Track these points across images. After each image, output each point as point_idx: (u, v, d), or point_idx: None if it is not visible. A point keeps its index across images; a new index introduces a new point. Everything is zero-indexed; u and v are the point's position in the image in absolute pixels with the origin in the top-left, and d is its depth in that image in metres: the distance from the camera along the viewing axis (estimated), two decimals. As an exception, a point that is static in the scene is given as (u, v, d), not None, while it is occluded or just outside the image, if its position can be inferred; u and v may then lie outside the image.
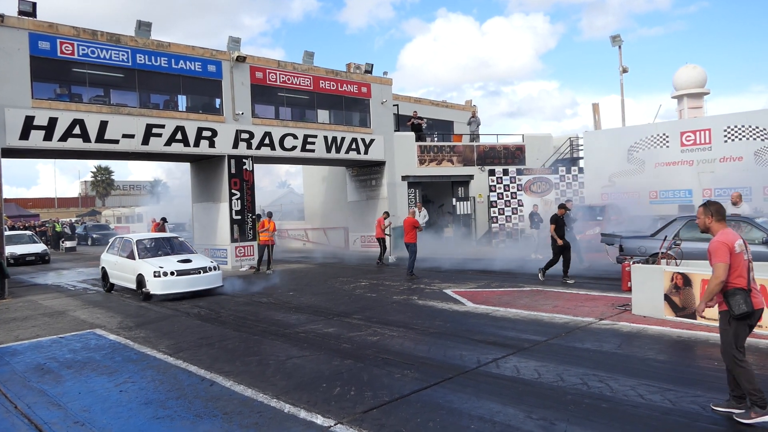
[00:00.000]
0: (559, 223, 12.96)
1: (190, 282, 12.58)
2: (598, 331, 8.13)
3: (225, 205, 18.91)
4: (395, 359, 7.00)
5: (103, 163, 67.22)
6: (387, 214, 19.34)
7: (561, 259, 13.01)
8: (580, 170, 24.02)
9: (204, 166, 19.93)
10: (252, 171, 19.35)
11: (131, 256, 13.24)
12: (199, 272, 12.79)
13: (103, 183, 71.60)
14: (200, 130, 18.02)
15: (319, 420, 5.13)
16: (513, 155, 25.72)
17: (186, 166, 22.40)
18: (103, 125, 16.21)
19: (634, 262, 9.92)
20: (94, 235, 37.70)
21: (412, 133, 24.17)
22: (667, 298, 8.58)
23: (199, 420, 5.29)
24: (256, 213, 19.44)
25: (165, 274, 12.31)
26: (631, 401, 5.28)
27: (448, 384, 6.01)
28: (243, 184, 19.07)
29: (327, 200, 27.89)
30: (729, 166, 19.70)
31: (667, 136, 21.45)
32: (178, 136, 17.56)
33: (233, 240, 18.65)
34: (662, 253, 10.06)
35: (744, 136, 19.54)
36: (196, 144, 17.98)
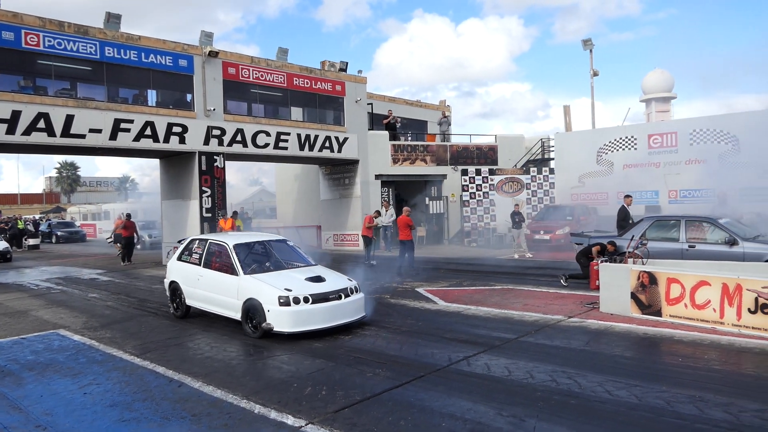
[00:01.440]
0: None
1: (330, 313, 8.20)
2: (567, 328, 8.24)
3: (195, 202, 18.63)
4: (367, 358, 6.99)
5: (69, 158, 65.58)
6: (378, 213, 19.35)
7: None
8: (551, 171, 24.35)
9: (174, 163, 19.60)
10: (223, 168, 19.11)
11: (229, 270, 8.90)
12: (340, 297, 8.38)
13: (68, 179, 69.83)
14: (170, 125, 17.71)
15: (290, 420, 5.08)
16: (486, 155, 25.94)
17: (155, 163, 22.01)
18: (69, 119, 15.81)
19: (602, 261, 10.09)
20: (59, 233, 36.75)
21: (386, 132, 24.18)
22: (633, 296, 8.75)
23: (167, 422, 5.19)
24: (220, 211, 19.01)
25: (297, 301, 7.94)
26: (599, 397, 5.37)
27: (419, 382, 6.02)
28: (214, 181, 18.82)
29: (300, 198, 27.73)
30: (694, 168, 20.21)
31: (635, 139, 21.91)
32: (148, 131, 17.23)
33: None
34: (629, 252, 10.25)
35: (709, 140, 20.06)
36: (166, 140, 17.67)
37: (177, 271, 10.07)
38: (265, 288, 8.18)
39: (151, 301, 12.18)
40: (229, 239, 9.43)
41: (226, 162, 19.51)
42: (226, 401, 5.65)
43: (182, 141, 18.04)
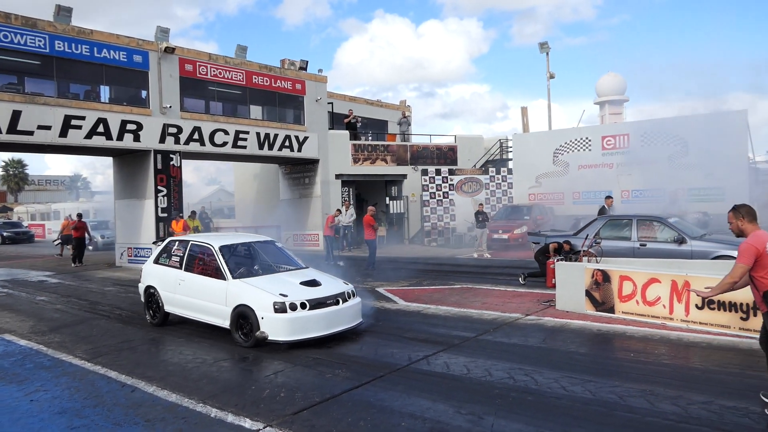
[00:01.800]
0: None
1: (328, 319, 7.64)
2: (525, 326, 8.38)
3: (150, 202, 18.16)
4: (326, 359, 6.94)
5: (16, 155, 62.98)
6: (339, 212, 19.24)
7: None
8: (509, 171, 24.77)
9: (128, 161, 19.05)
10: (180, 167, 18.69)
11: (215, 273, 8.25)
12: (338, 302, 7.83)
13: (15, 177, 66.97)
14: (124, 123, 17.21)
15: (248, 424, 5.00)
16: (445, 156, 26.17)
17: (108, 161, 21.35)
18: (16, 115, 15.17)
19: (558, 260, 10.31)
20: (5, 233, 35.28)
21: (347, 132, 24.12)
22: (588, 293, 8.97)
23: (119, 428, 5.04)
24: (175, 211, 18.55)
25: (293, 307, 7.38)
26: (555, 393, 5.47)
27: (379, 382, 6.02)
28: (170, 180, 18.38)
29: (259, 198, 27.38)
30: (645, 169, 20.87)
31: (590, 140, 22.49)
32: (100, 128, 16.70)
33: (159, 239, 17.91)
34: (584, 250, 10.50)
35: (658, 142, 20.75)
36: (120, 137, 17.16)
37: (154, 275, 9.35)
38: (258, 293, 7.59)
39: (103, 303, 11.81)
40: (214, 240, 8.80)
41: (183, 161, 19.08)
42: (182, 406, 5.52)
43: (137, 139, 17.55)
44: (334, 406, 5.37)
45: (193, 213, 20.21)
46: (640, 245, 11.45)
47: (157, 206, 18.05)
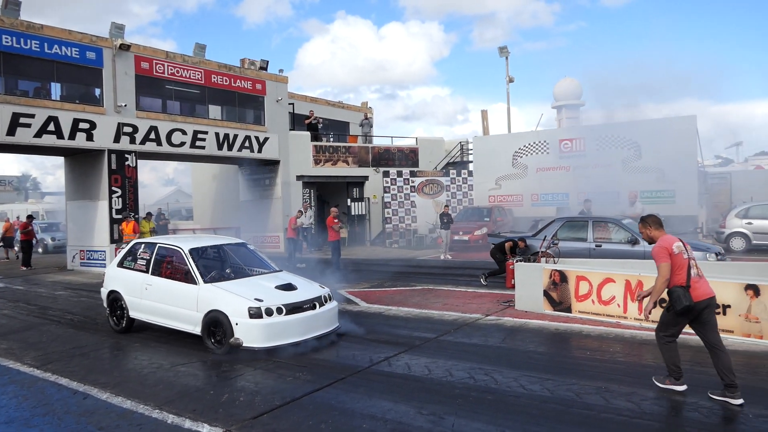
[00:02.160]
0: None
1: (305, 325, 7.43)
2: (485, 326, 8.48)
3: (104, 203, 17.62)
4: (286, 362, 6.86)
5: (-39, 155, 60.28)
6: (300, 213, 19.07)
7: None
8: (470, 173, 25.06)
9: (81, 161, 18.44)
10: (135, 167, 18.20)
11: (185, 278, 7.93)
12: (314, 306, 7.66)
13: (-41, 177, 64.12)
14: (77, 121, 16.65)
15: (206, 429, 4.90)
16: (407, 157, 26.29)
17: (60, 161, 20.62)
18: (-40, 113, 14.50)
19: (517, 261, 10.47)
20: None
21: (308, 133, 23.96)
22: (546, 293, 9.15)
23: (70, 436, 4.86)
24: (124, 212, 17.94)
25: (269, 312, 7.13)
26: (514, 392, 5.56)
27: (340, 385, 5.99)
28: (125, 181, 17.88)
29: (218, 199, 26.91)
30: (601, 172, 21.44)
31: (548, 144, 22.98)
32: (51, 127, 16.10)
33: (113, 241, 17.42)
34: (542, 251, 10.70)
35: (613, 145, 21.35)
36: (72, 136, 16.59)
37: (118, 279, 8.89)
38: (232, 298, 7.29)
39: (54, 308, 11.40)
40: (183, 243, 8.39)
41: (139, 161, 18.59)
42: (137, 412, 5.37)
43: (90, 138, 17.01)
44: (295, 409, 5.32)
45: (149, 215, 19.72)
46: (596, 246, 11.75)
47: (111, 207, 17.53)
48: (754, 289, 7.06)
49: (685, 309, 5.10)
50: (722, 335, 7.19)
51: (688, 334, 7.42)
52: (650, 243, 5.47)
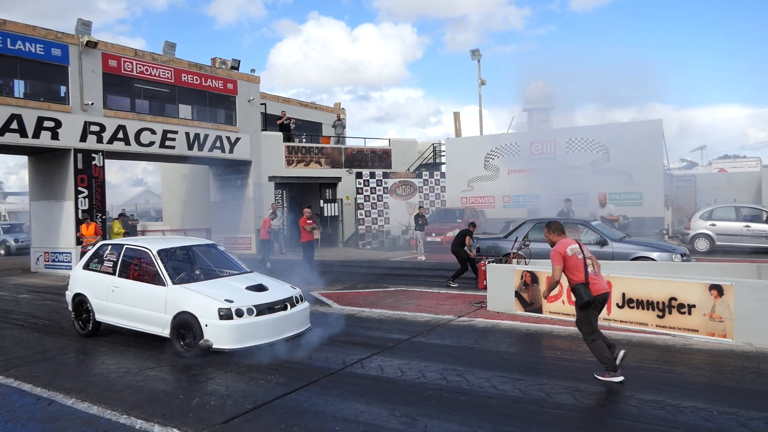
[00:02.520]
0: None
1: (277, 325, 7.37)
2: (457, 327, 8.53)
3: (70, 203, 17.18)
4: (258, 365, 6.79)
5: None
6: (274, 215, 18.87)
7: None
8: (442, 175, 25.20)
9: (46, 160, 17.96)
10: (102, 167, 17.80)
11: (153, 279, 7.80)
12: (286, 307, 7.59)
13: None
14: (41, 119, 16.21)
15: (175, 433, 4.81)
16: (380, 159, 26.31)
17: (24, 159, 20.04)
18: None
19: (489, 262, 10.56)
20: None
21: (280, 133, 23.78)
22: (517, 294, 9.24)
23: (33, 444, 4.72)
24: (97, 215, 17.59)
25: (240, 313, 7.04)
26: (486, 392, 5.59)
27: (313, 387, 5.95)
28: (92, 181, 17.47)
29: (188, 200, 26.51)
30: (570, 174, 21.78)
31: (519, 146, 23.23)
32: (14, 125, 15.65)
33: (78, 243, 17.00)
34: (513, 253, 10.81)
35: (583, 148, 21.72)
36: (36, 135, 16.15)
37: (84, 281, 8.68)
38: (202, 299, 7.17)
39: (17, 312, 11.07)
40: (151, 244, 8.26)
41: (107, 160, 18.19)
42: (104, 418, 5.24)
43: (55, 137, 16.58)
44: (267, 412, 5.26)
45: (121, 215, 19.36)
46: (566, 247, 11.90)
47: (77, 208, 17.11)
48: (717, 289, 7.25)
49: (587, 303, 5.77)
50: (687, 334, 7.41)
51: (654, 334, 7.60)
52: (551, 246, 6.15)
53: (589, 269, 5.86)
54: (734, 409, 4.96)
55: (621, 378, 5.70)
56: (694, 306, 7.42)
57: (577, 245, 5.99)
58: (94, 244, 10.64)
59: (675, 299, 7.58)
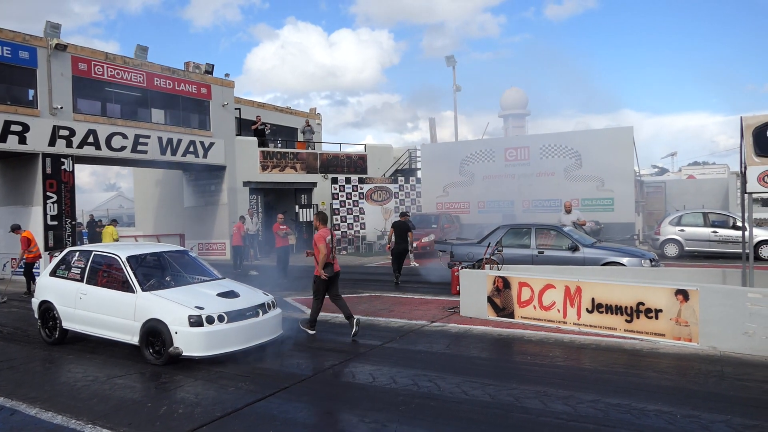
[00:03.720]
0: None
1: (248, 332, 7.32)
2: (430, 333, 8.56)
3: (38, 209, 16.83)
4: (229, 372, 6.72)
5: None
6: (243, 219, 18.75)
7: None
8: (418, 180, 25.30)
9: (12, 165, 17.57)
10: (72, 172, 17.47)
11: (122, 286, 7.67)
12: (258, 314, 7.55)
13: None
14: (8, 123, 15.86)
15: (141, 443, 4.74)
16: (355, 164, 26.31)
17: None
18: None
19: (462, 267, 10.63)
20: None
21: (255, 138, 23.64)
22: (490, 299, 9.31)
23: (-7, 456, 4.60)
24: (76, 219, 17.40)
25: (210, 320, 6.99)
26: (456, 398, 5.62)
27: (283, 394, 5.91)
28: (61, 186, 17.13)
29: (161, 205, 26.16)
30: (544, 180, 22.09)
31: (494, 152, 23.46)
32: (-21, 129, 15.29)
33: (48, 249, 16.63)
34: (486, 258, 10.89)
35: (556, 155, 22.03)
36: (2, 139, 15.78)
37: (50, 288, 8.53)
38: (172, 306, 7.11)
39: (-19, 320, 10.77)
40: (120, 250, 8.15)
41: (78, 165, 17.87)
42: (68, 428, 5.14)
43: (23, 141, 16.23)
44: (236, 420, 5.21)
45: (114, 221, 19.19)
46: (539, 252, 12.07)
47: (46, 213, 16.76)
48: (683, 294, 7.40)
49: (329, 277, 8.29)
50: (655, 339, 7.54)
51: (622, 338, 7.72)
52: (315, 228, 8.64)
53: (332, 255, 8.35)
54: (697, 412, 5.07)
55: (314, 332, 8.44)
56: (661, 311, 7.56)
57: (330, 235, 8.44)
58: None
59: (643, 304, 7.71)
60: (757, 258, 15.62)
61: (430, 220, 21.84)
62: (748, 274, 8.24)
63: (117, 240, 17.47)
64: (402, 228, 13.56)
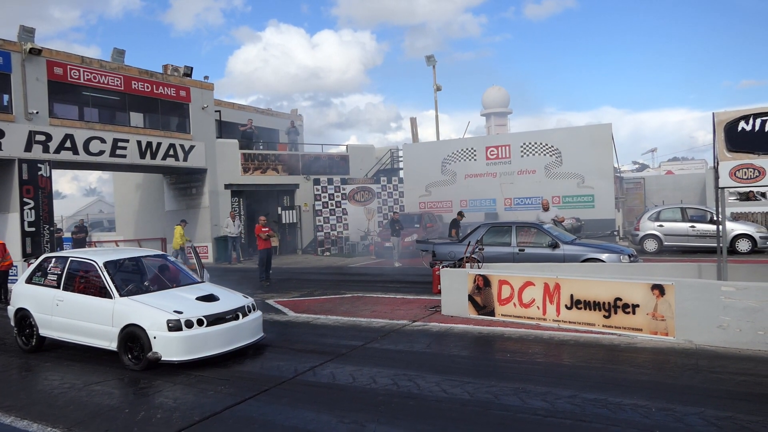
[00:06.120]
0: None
1: (228, 336, 7.29)
2: (411, 332, 8.59)
3: (15, 215, 16.55)
4: (209, 375, 6.68)
5: None
6: (184, 222, 19.00)
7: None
8: (401, 180, 25.32)
9: (-12, 171, 17.27)
10: (49, 177, 17.22)
11: (99, 292, 7.62)
12: (237, 317, 7.51)
13: None
14: (-18, 129, 15.60)
15: (118, 450, 4.70)
16: (338, 165, 26.27)
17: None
18: None
19: (443, 266, 10.67)
20: None
21: (236, 141, 23.51)
22: (470, 298, 9.36)
23: (-34, 467, 4.53)
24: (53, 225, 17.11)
25: (189, 324, 6.95)
26: (436, 396, 5.65)
27: (263, 396, 5.89)
28: (38, 192, 16.88)
29: (142, 209, 25.88)
30: (525, 178, 22.24)
31: (475, 151, 23.56)
32: (-47, 135, 15.01)
33: (25, 256, 16.38)
34: (467, 257, 10.95)
35: (537, 152, 22.19)
36: (-23, 145, 15.53)
37: (27, 296, 8.43)
38: (150, 311, 7.05)
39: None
40: (98, 256, 8.09)
41: (55, 170, 17.61)
42: (43, 437, 5.07)
43: (-2, 146, 15.97)
44: (215, 423, 5.19)
45: (183, 221, 19.79)
46: (519, 250, 12.16)
47: (23, 220, 16.49)
48: (659, 289, 7.50)
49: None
50: (632, 333, 7.64)
51: (601, 334, 7.81)
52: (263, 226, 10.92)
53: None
54: (672, 405, 5.15)
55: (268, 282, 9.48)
56: (638, 306, 7.66)
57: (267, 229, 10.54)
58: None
59: (620, 299, 7.80)
60: (735, 252, 15.88)
61: (413, 219, 21.87)
62: (722, 268, 8.38)
63: (187, 240, 18.78)
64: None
